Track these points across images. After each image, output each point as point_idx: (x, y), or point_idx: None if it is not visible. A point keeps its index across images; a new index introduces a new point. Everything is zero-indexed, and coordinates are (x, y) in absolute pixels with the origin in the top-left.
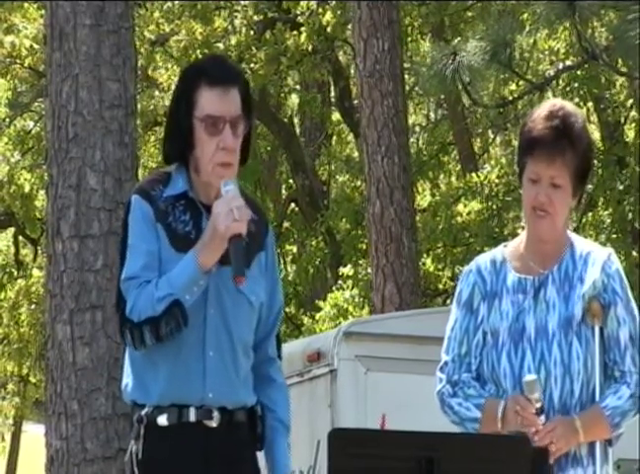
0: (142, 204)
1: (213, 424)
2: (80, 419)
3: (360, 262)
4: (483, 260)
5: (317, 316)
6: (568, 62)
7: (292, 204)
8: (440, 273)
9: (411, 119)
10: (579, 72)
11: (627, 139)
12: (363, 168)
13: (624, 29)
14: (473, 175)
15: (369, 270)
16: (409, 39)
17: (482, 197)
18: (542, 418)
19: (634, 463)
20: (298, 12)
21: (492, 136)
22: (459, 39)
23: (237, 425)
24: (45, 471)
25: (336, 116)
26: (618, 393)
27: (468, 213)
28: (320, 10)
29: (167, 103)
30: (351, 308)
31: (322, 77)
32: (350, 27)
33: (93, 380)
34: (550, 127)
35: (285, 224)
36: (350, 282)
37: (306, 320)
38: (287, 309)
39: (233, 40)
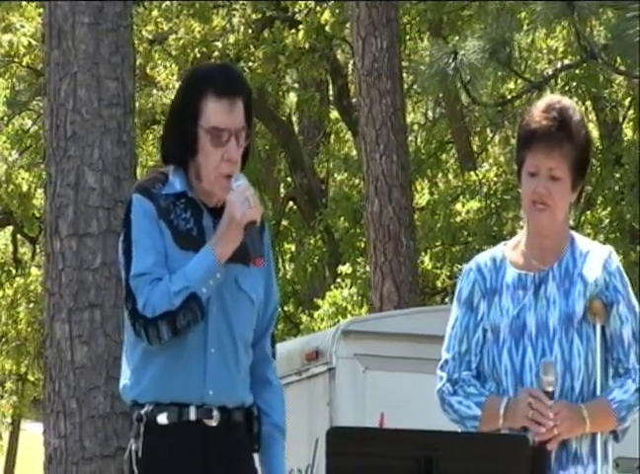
0: (144, 202)
1: (213, 423)
2: (78, 417)
3: (359, 260)
4: (483, 258)
5: (315, 314)
6: (566, 61)
7: (291, 203)
8: (439, 271)
9: (409, 118)
10: (577, 71)
11: (626, 138)
12: (362, 166)
13: (623, 27)
14: (472, 173)
15: (368, 268)
16: (407, 37)
17: (480, 196)
18: (552, 402)
19: (634, 461)
20: (296, 10)
21: (490, 135)
22: (458, 37)
23: (235, 425)
24: (44, 470)
25: (334, 114)
26: (625, 387)
27: (467, 212)
28: (318, 8)
29: (165, 101)
30: (349, 307)
31: (320, 76)
32: (348, 25)
33: (91, 379)
34: (547, 119)
35: (284, 222)
36: (348, 281)
37: (304, 318)
38: (286, 308)
39: (231, 39)
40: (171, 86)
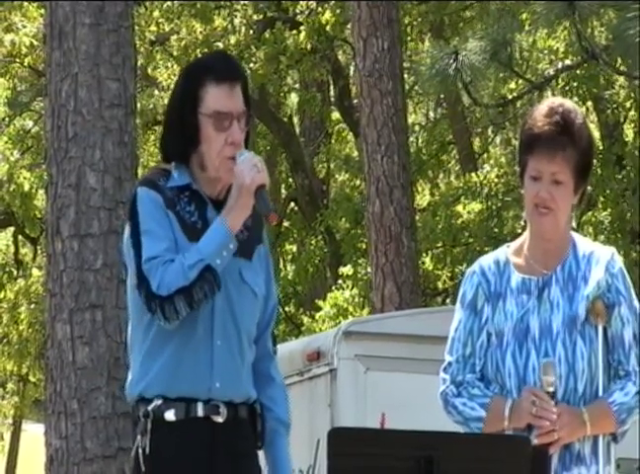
0: (151, 193)
1: (220, 419)
2: (80, 418)
3: (360, 261)
4: (486, 261)
5: (317, 316)
6: (567, 62)
7: (292, 204)
8: (440, 272)
9: (410, 119)
10: (578, 72)
11: (627, 139)
12: (363, 167)
13: (624, 27)
14: (473, 174)
15: (369, 269)
16: (408, 38)
17: (482, 197)
18: (552, 403)
19: (634, 462)
20: (298, 11)
21: (491, 136)
22: (459, 38)
23: (241, 421)
24: (45, 470)
25: (335, 115)
26: (625, 389)
27: (468, 213)
28: (319, 9)
29: (167, 102)
30: (350, 308)
31: (321, 76)
32: (349, 26)
33: (93, 379)
34: (550, 123)
35: (285, 223)
36: (349, 282)
37: (306, 320)
38: (287, 308)
39: (233, 40)
40: (172, 87)
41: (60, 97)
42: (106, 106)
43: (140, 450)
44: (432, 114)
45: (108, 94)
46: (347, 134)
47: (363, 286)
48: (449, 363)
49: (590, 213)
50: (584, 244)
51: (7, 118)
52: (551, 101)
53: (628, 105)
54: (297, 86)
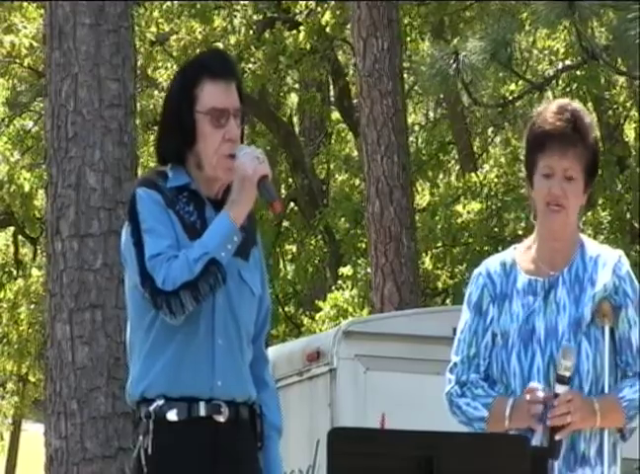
0: (151, 193)
1: (222, 419)
2: (79, 418)
3: (360, 261)
4: (492, 263)
5: (317, 316)
6: (567, 62)
7: (292, 204)
8: (440, 272)
9: (410, 119)
10: (578, 72)
11: (627, 139)
12: (363, 167)
13: (624, 28)
14: (472, 175)
15: (369, 269)
16: (408, 38)
17: (481, 197)
18: (567, 388)
19: (634, 462)
20: (297, 11)
21: (491, 136)
22: (459, 38)
23: (242, 422)
24: (45, 470)
25: (335, 115)
26: (635, 387)
27: (468, 213)
28: (319, 9)
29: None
30: (350, 308)
31: (321, 76)
32: (349, 26)
33: (92, 379)
34: (562, 120)
35: (285, 223)
36: (349, 282)
37: (306, 321)
38: (287, 308)
39: (232, 40)
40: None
41: (60, 97)
42: (106, 106)
43: (142, 451)
44: (431, 114)
45: (107, 94)
46: (346, 134)
47: (363, 286)
48: (455, 364)
49: (589, 214)
50: (591, 246)
51: (7, 119)
52: (559, 101)
53: (629, 105)
54: (297, 86)
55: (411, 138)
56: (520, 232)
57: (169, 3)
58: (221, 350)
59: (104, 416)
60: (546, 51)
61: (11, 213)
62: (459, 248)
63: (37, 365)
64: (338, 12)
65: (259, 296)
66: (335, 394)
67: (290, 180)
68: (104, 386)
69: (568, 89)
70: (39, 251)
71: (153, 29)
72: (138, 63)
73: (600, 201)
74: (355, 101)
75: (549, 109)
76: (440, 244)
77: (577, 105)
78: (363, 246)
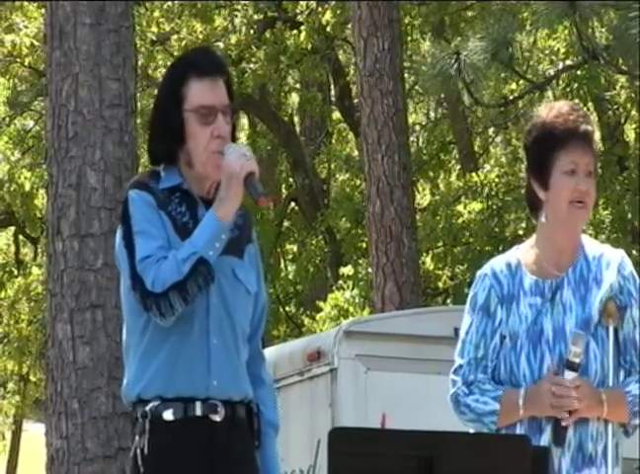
0: (143, 195)
1: (218, 418)
2: (80, 418)
3: (361, 261)
4: (498, 263)
5: (317, 316)
6: (568, 62)
7: (292, 203)
8: (440, 272)
9: (411, 118)
10: (579, 72)
11: (627, 139)
12: (363, 167)
13: (625, 27)
14: (473, 174)
15: (370, 269)
16: (409, 38)
17: (482, 197)
18: (576, 375)
19: (634, 462)
20: (298, 11)
21: (492, 136)
22: (460, 38)
23: (239, 421)
24: (46, 470)
25: (336, 114)
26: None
27: (468, 213)
28: (320, 9)
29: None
30: (351, 308)
31: (322, 76)
32: (350, 26)
33: (93, 379)
34: (580, 117)
35: (285, 223)
36: (350, 282)
37: (307, 320)
38: (288, 308)
39: (233, 39)
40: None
41: (61, 97)
42: (106, 105)
43: (139, 451)
44: (432, 113)
45: (108, 94)
46: (347, 134)
47: (364, 286)
48: (460, 366)
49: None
50: (592, 245)
51: (8, 118)
52: (564, 102)
53: (629, 105)
54: (298, 86)
55: (412, 138)
56: (521, 232)
57: (170, 3)
58: (216, 349)
59: (105, 416)
60: (547, 51)
61: (12, 213)
62: (460, 248)
63: (37, 365)
64: (338, 12)
65: (254, 294)
66: (336, 394)
67: (291, 179)
68: (104, 386)
69: (568, 89)
70: (39, 251)
71: (154, 28)
72: (139, 63)
73: (600, 201)
74: (355, 100)
75: (560, 109)
76: (440, 244)
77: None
78: (364, 246)
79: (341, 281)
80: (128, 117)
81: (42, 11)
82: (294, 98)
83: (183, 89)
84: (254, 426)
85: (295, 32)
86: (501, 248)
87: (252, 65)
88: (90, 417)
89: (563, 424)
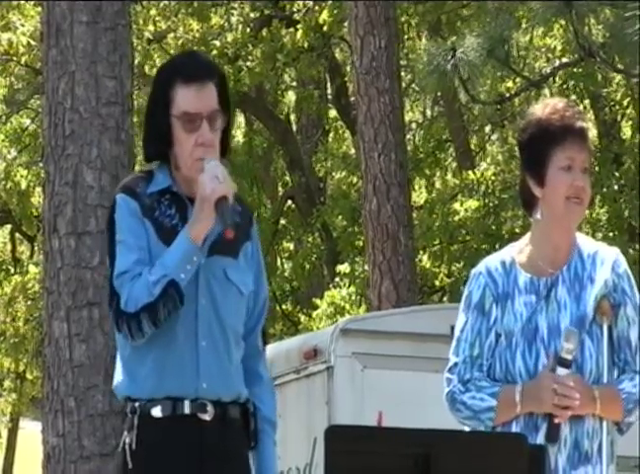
0: (128, 201)
1: (207, 417)
2: (77, 416)
3: (357, 259)
4: (492, 262)
5: (314, 314)
6: (564, 59)
7: (289, 201)
8: (437, 269)
9: (407, 116)
10: (575, 69)
11: (624, 137)
12: (360, 165)
13: (621, 26)
14: (470, 172)
15: (366, 267)
16: (406, 36)
17: (479, 195)
18: (568, 371)
19: (631, 461)
20: (295, 9)
21: (489, 133)
22: (456, 36)
23: (231, 421)
24: (42, 468)
25: (332, 112)
26: (634, 381)
27: (465, 211)
28: (317, 7)
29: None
30: (348, 306)
31: (318, 74)
32: (346, 24)
33: (90, 377)
34: (575, 113)
35: (282, 221)
36: (346, 280)
37: (303, 318)
38: (284, 306)
39: (230, 38)
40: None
41: (57, 95)
42: (103, 103)
43: (127, 446)
44: (429, 111)
45: (105, 92)
46: (344, 132)
47: (360, 284)
48: (455, 364)
49: (587, 211)
50: (587, 243)
51: (4, 116)
52: (558, 99)
53: (626, 103)
54: (294, 84)
55: (408, 136)
56: (518, 230)
57: (166, 1)
58: (205, 351)
59: (101, 413)
60: (543, 49)
61: (8, 211)
62: (457, 246)
63: (34, 363)
64: (335, 10)
65: (251, 293)
66: (332, 392)
67: (288, 177)
68: (101, 384)
69: (565, 86)
70: (36, 249)
71: (150, 27)
72: (136, 61)
73: (597, 199)
74: (352, 99)
75: (555, 105)
76: (437, 242)
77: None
78: (361, 244)
79: (337, 279)
80: (125, 114)
81: (39, 9)
82: (291, 96)
83: (171, 93)
84: (250, 426)
85: (292, 30)
86: (497, 246)
87: (248, 63)
88: (86, 415)
89: (556, 421)
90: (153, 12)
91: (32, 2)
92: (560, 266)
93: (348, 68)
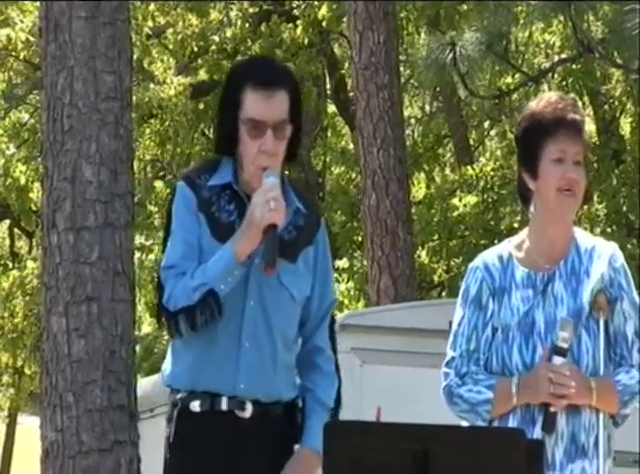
0: (186, 192)
1: (246, 414)
2: (75, 411)
3: (356, 254)
4: (489, 256)
5: None
6: (563, 55)
7: None
8: (436, 265)
9: (406, 112)
10: (574, 65)
11: (623, 133)
12: (359, 160)
13: (620, 21)
14: (468, 168)
15: (365, 262)
16: (404, 31)
17: (477, 190)
18: (564, 360)
19: (630, 456)
20: (294, 5)
21: (487, 129)
22: (455, 32)
23: (273, 419)
24: (40, 463)
25: (331, 108)
26: (630, 374)
27: (464, 206)
28: (316, 3)
29: (162, 95)
30: (346, 301)
31: (317, 70)
32: (345, 19)
33: (88, 372)
34: (568, 105)
35: None
36: (345, 275)
37: None
38: None
39: (229, 33)
40: (168, 80)
41: (56, 90)
42: (102, 98)
43: (165, 438)
44: (427, 107)
45: (104, 87)
46: (343, 127)
47: (359, 279)
48: (452, 358)
49: (585, 207)
50: (585, 238)
51: (3, 111)
52: (554, 93)
53: (625, 99)
54: None
55: (407, 131)
56: (516, 225)
57: None
58: (247, 352)
59: (100, 409)
60: (542, 44)
61: (7, 206)
62: (455, 241)
63: (32, 358)
64: (334, 6)
65: (306, 299)
66: None
67: (287, 172)
68: (99, 379)
69: (564, 82)
70: (34, 244)
71: (149, 22)
72: (134, 56)
73: (596, 195)
74: (351, 94)
75: (549, 99)
76: (436, 237)
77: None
78: (359, 239)
79: (336, 274)
80: (124, 110)
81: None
82: None
83: (239, 95)
84: (296, 421)
85: (291, 25)
86: (496, 241)
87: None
88: (85, 410)
89: (552, 409)
90: (152, 7)
91: None
92: (557, 260)
93: (347, 64)
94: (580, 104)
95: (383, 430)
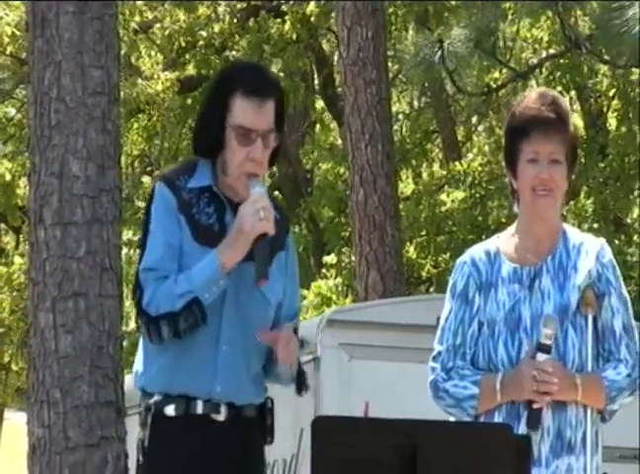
0: (166, 193)
1: (220, 418)
2: (62, 407)
3: (344, 250)
4: (477, 251)
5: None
6: (551, 51)
7: (276, 192)
8: (424, 260)
9: (394, 107)
10: (562, 61)
11: (610, 128)
12: (347, 156)
13: (607, 17)
14: (456, 163)
15: (353, 257)
16: (393, 27)
17: (465, 186)
18: (548, 357)
19: (615, 451)
20: (282, 0)
21: (475, 124)
22: (443, 27)
23: (246, 420)
24: (28, 459)
25: (319, 103)
26: (617, 369)
27: (452, 202)
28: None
29: (150, 90)
30: (334, 297)
31: (305, 65)
32: (333, 14)
33: (75, 368)
34: (544, 104)
35: None
36: (333, 271)
37: None
38: None
39: (216, 28)
40: (155, 76)
41: (43, 84)
42: (89, 93)
43: (140, 443)
44: (416, 102)
45: (91, 82)
46: (331, 123)
47: (347, 275)
48: (439, 352)
49: (572, 202)
50: (574, 234)
51: None
52: (538, 89)
53: (611, 94)
54: (281, 75)
55: (395, 127)
56: (504, 220)
57: None
58: (225, 355)
59: (87, 405)
60: (530, 40)
61: None
62: (443, 236)
63: (19, 354)
64: (322, 2)
65: (277, 302)
66: (319, 383)
67: (275, 168)
68: (87, 375)
69: (551, 77)
70: (21, 239)
71: (137, 17)
72: (122, 51)
73: (583, 190)
74: (339, 89)
75: (530, 97)
76: (424, 232)
77: (555, 93)
78: (347, 234)
79: (324, 270)
80: (111, 104)
81: None
82: None
83: (229, 101)
84: (266, 421)
85: (279, 21)
86: (484, 236)
87: (235, 54)
88: (72, 406)
89: (535, 406)
90: (139, 2)
91: None
92: (544, 256)
93: (335, 59)
94: (567, 99)
95: (371, 425)
